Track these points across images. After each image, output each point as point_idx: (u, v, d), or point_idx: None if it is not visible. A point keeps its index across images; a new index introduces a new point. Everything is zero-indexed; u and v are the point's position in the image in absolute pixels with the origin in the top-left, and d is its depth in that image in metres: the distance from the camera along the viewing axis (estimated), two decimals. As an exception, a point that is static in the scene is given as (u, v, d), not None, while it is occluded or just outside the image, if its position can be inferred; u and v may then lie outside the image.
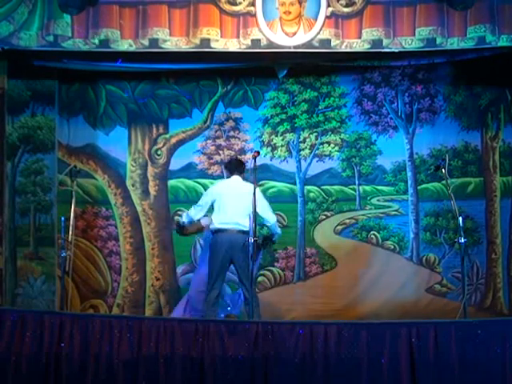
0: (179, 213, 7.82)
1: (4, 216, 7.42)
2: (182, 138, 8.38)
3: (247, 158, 8.27)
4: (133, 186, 8.32)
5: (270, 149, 8.37)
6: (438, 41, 6.94)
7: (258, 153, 6.83)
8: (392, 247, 8.31)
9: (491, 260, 8.22)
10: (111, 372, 5.29)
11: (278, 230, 6.95)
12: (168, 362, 5.28)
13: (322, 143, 8.40)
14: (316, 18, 6.98)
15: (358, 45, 6.98)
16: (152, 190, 8.29)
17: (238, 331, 5.32)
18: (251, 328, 5.31)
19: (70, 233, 6.55)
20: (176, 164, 8.36)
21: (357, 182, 8.38)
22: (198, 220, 6.94)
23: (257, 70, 8.04)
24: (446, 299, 8.14)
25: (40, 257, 7.64)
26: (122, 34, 7.00)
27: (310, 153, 8.38)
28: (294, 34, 6.99)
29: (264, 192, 7.47)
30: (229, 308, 7.14)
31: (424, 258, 8.31)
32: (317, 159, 8.40)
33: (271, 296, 8.03)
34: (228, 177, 7.10)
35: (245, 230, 6.54)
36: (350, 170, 8.39)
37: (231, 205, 6.69)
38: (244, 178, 6.91)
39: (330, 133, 8.40)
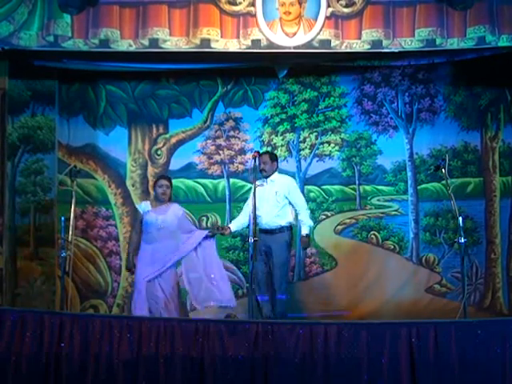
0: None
1: (4, 216, 7.42)
2: (182, 138, 8.38)
3: (247, 157, 8.29)
4: (133, 186, 8.33)
5: (270, 149, 8.36)
6: (438, 41, 6.95)
7: (258, 153, 6.87)
8: (392, 247, 8.31)
9: (490, 260, 8.23)
10: (111, 372, 5.29)
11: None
12: (168, 362, 5.28)
13: (322, 143, 8.41)
14: (316, 19, 6.99)
15: (357, 45, 6.99)
16: (152, 190, 8.27)
17: (238, 331, 5.32)
18: (251, 328, 5.31)
19: (70, 233, 6.54)
20: (176, 164, 8.36)
21: (357, 182, 8.39)
22: None
23: (257, 70, 8.04)
24: (446, 299, 8.15)
25: (40, 257, 7.64)
26: (122, 34, 7.02)
27: (310, 152, 8.39)
28: (294, 34, 7.00)
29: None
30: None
31: (424, 258, 8.31)
32: (317, 159, 8.40)
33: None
34: (276, 170, 7.17)
35: None
36: (350, 169, 8.40)
37: None
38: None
39: (330, 132, 8.40)
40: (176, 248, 6.76)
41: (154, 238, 6.72)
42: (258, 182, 7.10)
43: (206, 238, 6.87)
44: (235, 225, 7.16)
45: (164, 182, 6.90)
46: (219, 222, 8.22)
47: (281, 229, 6.94)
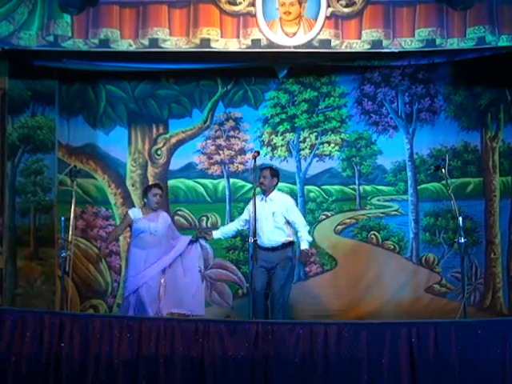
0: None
1: (4, 216, 7.42)
2: (182, 138, 8.38)
3: (247, 157, 8.29)
4: (133, 185, 8.33)
5: (269, 149, 8.38)
6: (438, 41, 6.95)
7: (258, 153, 6.85)
8: (392, 247, 8.31)
9: (490, 260, 8.23)
10: (111, 372, 5.29)
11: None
12: (168, 362, 5.28)
13: (322, 143, 8.40)
14: (316, 19, 6.98)
15: (357, 45, 6.98)
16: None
17: (238, 331, 5.32)
18: (251, 328, 5.31)
19: (70, 233, 6.56)
20: (176, 164, 8.36)
21: (357, 182, 8.39)
22: None
23: (257, 69, 8.04)
24: (446, 299, 8.15)
25: (40, 257, 7.64)
26: (122, 34, 7.01)
27: (310, 153, 8.38)
28: (294, 34, 7.00)
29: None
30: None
31: (423, 258, 8.31)
32: (317, 159, 8.40)
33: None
34: (276, 186, 7.16)
35: None
36: (350, 169, 8.40)
37: None
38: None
39: (330, 132, 8.40)
40: (165, 254, 6.92)
41: (147, 244, 6.88)
42: (257, 198, 7.11)
43: (190, 243, 7.02)
44: (220, 232, 7.31)
45: (158, 190, 7.08)
46: (219, 223, 8.23)
47: (282, 245, 6.93)
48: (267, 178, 7.05)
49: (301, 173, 8.38)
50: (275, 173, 7.17)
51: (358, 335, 5.26)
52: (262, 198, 7.06)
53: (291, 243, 6.99)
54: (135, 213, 7.01)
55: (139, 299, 6.78)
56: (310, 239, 7.13)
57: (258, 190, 7.06)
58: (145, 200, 7.09)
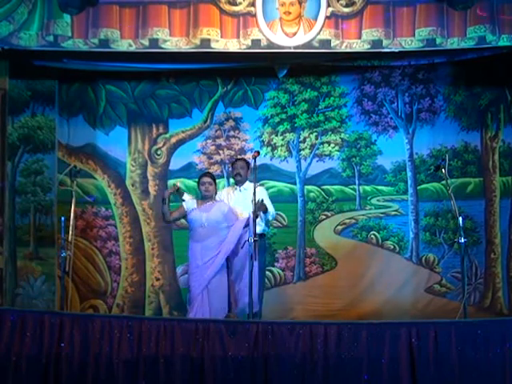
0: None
1: (4, 216, 7.43)
2: (182, 137, 8.38)
3: (247, 157, 8.28)
4: (132, 185, 8.33)
5: (269, 149, 8.38)
6: (438, 41, 6.95)
7: (258, 153, 6.84)
8: (392, 247, 8.31)
9: (490, 260, 8.23)
10: (111, 372, 5.30)
11: None
12: (168, 362, 5.29)
13: (322, 143, 8.41)
14: (316, 19, 6.98)
15: (357, 45, 6.99)
16: (152, 190, 8.29)
17: (238, 331, 5.33)
18: (251, 328, 5.32)
19: (70, 233, 6.56)
20: (176, 164, 8.36)
21: (357, 182, 8.39)
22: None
23: (257, 70, 8.04)
24: (446, 299, 8.15)
25: (40, 257, 7.64)
26: (122, 34, 7.01)
27: (310, 153, 8.39)
28: (294, 34, 7.00)
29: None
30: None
31: (423, 258, 8.31)
32: (317, 159, 8.40)
33: (271, 296, 8.01)
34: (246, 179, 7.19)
35: None
36: (350, 169, 8.40)
37: None
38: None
39: (330, 133, 8.40)
40: (220, 245, 6.67)
41: (200, 236, 6.69)
42: (230, 189, 7.16)
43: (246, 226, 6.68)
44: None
45: (205, 179, 6.91)
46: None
47: (259, 236, 6.78)
48: (244, 168, 7.12)
49: (301, 173, 8.39)
50: (249, 164, 7.17)
51: (358, 335, 5.26)
52: (237, 189, 7.13)
53: (262, 235, 6.95)
54: (189, 204, 6.84)
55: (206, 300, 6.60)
56: (270, 217, 7.06)
57: (235, 191, 7.10)
58: (199, 191, 6.98)
